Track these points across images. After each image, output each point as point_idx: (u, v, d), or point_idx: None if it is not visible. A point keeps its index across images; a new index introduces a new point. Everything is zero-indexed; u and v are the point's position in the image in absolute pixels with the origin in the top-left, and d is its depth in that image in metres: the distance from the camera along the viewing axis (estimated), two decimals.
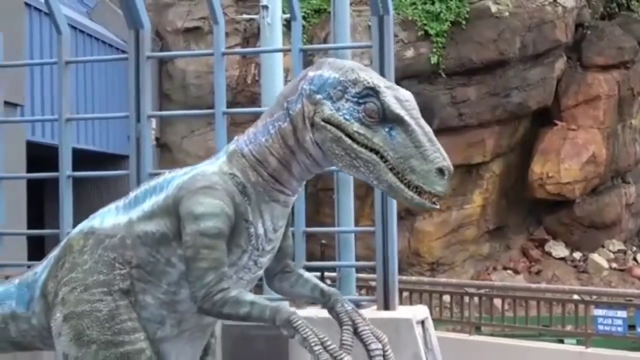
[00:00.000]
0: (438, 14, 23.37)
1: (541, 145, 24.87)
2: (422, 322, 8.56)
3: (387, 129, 3.88)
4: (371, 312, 8.29)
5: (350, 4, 9.89)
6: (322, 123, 3.93)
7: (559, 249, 25.30)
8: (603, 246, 25.38)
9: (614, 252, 25.39)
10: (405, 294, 16.43)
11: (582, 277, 24.57)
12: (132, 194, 4.44)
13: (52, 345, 4.61)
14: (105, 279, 4.29)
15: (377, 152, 3.88)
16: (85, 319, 4.28)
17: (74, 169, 8.78)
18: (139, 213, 4.29)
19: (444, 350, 9.07)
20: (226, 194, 4.10)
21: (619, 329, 14.70)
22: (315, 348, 3.94)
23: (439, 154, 3.86)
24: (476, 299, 16.59)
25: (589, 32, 25.76)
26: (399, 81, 11.41)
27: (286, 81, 11.10)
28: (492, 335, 16.79)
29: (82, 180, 11.04)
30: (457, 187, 23.12)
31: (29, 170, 13.80)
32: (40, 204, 20.03)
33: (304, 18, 20.98)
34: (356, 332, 4.21)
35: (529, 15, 24.03)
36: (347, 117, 3.90)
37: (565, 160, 24.56)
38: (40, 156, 14.26)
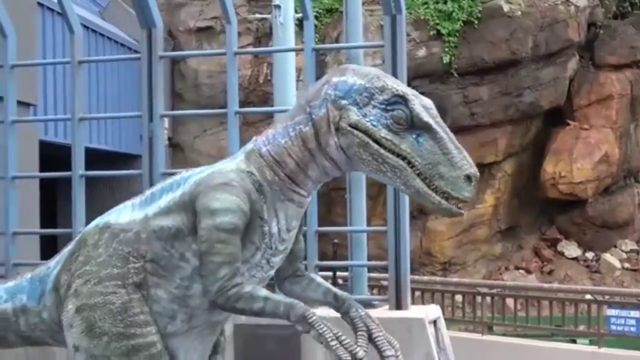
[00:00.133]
0: (450, 14, 23.34)
1: (553, 144, 24.82)
2: (435, 322, 8.55)
3: (414, 136, 3.99)
4: (383, 312, 8.28)
5: (363, 3, 9.89)
6: (349, 128, 4.02)
7: (571, 249, 25.24)
8: (615, 246, 25.30)
9: (626, 252, 25.31)
10: (417, 293, 16.44)
11: (594, 277, 24.51)
12: (148, 192, 4.50)
13: (61, 340, 4.64)
14: (119, 272, 4.33)
15: (404, 158, 3.99)
16: (97, 310, 4.31)
17: (87, 168, 8.80)
18: (155, 209, 4.34)
19: (456, 350, 9.07)
20: (243, 191, 4.16)
21: (632, 329, 14.68)
22: (332, 343, 3.99)
23: (466, 161, 3.98)
24: (488, 298, 16.59)
25: (601, 31, 25.68)
26: (411, 81, 11.40)
27: (298, 81, 11.12)
28: (504, 335, 16.78)
29: (94, 180, 11.07)
30: None
31: (41, 170, 13.81)
32: (53, 203, 20.08)
33: (316, 17, 20.96)
34: (370, 338, 4.26)
35: (541, 15, 23.98)
36: (375, 123, 4.00)
37: (578, 160, 24.50)
38: (53, 156, 14.28)
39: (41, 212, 14.17)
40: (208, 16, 24.59)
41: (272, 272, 4.45)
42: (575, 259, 25.11)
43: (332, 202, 19.26)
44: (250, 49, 22.49)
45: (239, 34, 11.07)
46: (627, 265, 24.96)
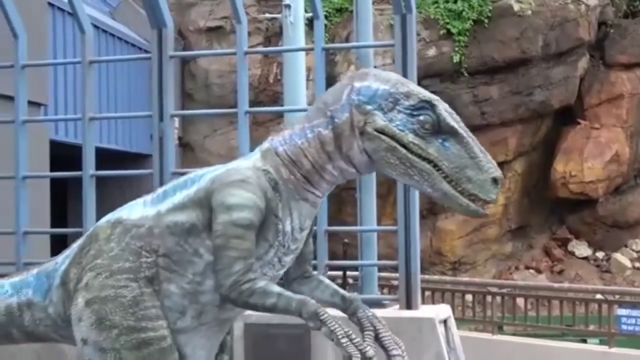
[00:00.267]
0: (460, 13, 23.33)
1: (564, 144, 24.78)
2: (445, 322, 8.54)
3: (440, 140, 4.10)
4: (393, 311, 8.28)
5: (373, 2, 9.88)
6: (376, 133, 4.10)
7: (581, 249, 25.19)
8: (626, 245, 25.24)
9: (637, 252, 25.25)
10: (427, 293, 16.43)
11: (605, 276, 24.47)
12: (160, 190, 4.54)
13: (65, 335, 4.66)
14: (131, 266, 4.35)
15: (431, 162, 4.09)
16: (108, 303, 4.32)
17: (97, 168, 8.81)
18: (169, 205, 4.37)
19: (467, 350, 9.06)
20: (259, 188, 4.20)
21: None
22: (343, 340, 4.05)
23: (492, 165, 4.13)
24: (499, 298, 16.56)
25: (612, 30, 25.63)
26: (421, 80, 11.40)
27: (308, 80, 11.12)
28: (514, 334, 16.76)
29: (104, 179, 11.09)
30: None
31: (52, 170, 13.85)
32: (64, 203, 20.12)
33: (326, 17, 20.98)
34: (377, 338, 4.32)
35: (551, 14, 23.95)
36: (401, 128, 4.10)
37: (588, 159, 24.45)
38: (64, 155, 14.32)
39: (52, 211, 14.22)
40: (218, 16, 24.63)
41: (282, 272, 4.48)
42: (585, 258, 25.07)
43: (342, 201, 19.26)
44: (261, 48, 22.52)
45: (249, 33, 11.08)
46: (637, 264, 24.90)
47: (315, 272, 4.78)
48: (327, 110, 4.23)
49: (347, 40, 22.02)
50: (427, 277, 17.49)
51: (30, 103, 9.50)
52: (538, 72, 24.02)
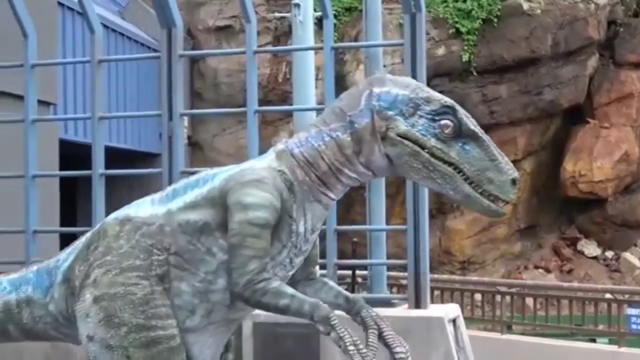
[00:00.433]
0: (469, 12, 23.32)
1: (573, 143, 24.74)
2: (454, 321, 8.54)
3: (460, 144, 4.21)
4: (402, 311, 8.28)
5: (382, 1, 9.88)
6: (399, 138, 4.18)
7: (591, 248, 25.15)
8: (636, 245, 25.19)
9: None
10: (436, 292, 16.42)
11: (614, 276, 24.42)
12: (169, 189, 4.54)
13: (66, 334, 4.65)
14: (141, 264, 4.34)
15: (452, 165, 4.19)
16: (118, 300, 4.31)
17: (106, 167, 8.82)
18: (180, 204, 4.37)
19: (475, 349, 9.05)
20: (275, 188, 4.23)
21: None
22: (350, 348, 4.11)
23: (510, 166, 4.27)
24: (508, 297, 16.55)
25: (621, 29, 25.58)
26: (430, 79, 11.38)
27: (317, 79, 11.12)
28: (523, 334, 16.74)
29: (114, 179, 11.12)
30: None
31: (61, 169, 13.87)
32: (73, 202, 20.15)
33: (335, 16, 20.97)
34: (380, 336, 4.37)
35: (561, 13, 23.91)
36: (423, 132, 4.19)
37: (598, 159, 24.41)
38: (73, 154, 14.35)
39: (61, 211, 14.23)
40: (227, 15, 24.65)
41: (291, 274, 4.49)
42: (595, 258, 25.02)
43: (352, 201, 19.25)
44: (270, 47, 22.53)
45: (258, 32, 11.08)
46: None
47: (319, 274, 4.80)
48: (345, 115, 4.28)
49: (356, 39, 22.02)
50: (436, 276, 17.48)
51: (40, 102, 9.51)
52: (547, 71, 23.99)
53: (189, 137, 23.10)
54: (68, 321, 4.57)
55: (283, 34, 23.59)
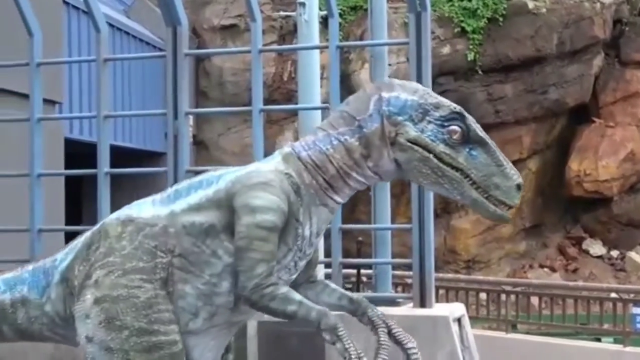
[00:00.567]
0: (475, 11, 23.31)
1: (578, 142, 24.72)
2: (459, 320, 8.53)
3: (467, 149, 4.27)
4: (408, 310, 8.28)
5: (387, 0, 9.87)
6: (409, 144, 4.23)
7: (596, 247, 25.13)
8: None
9: None
10: (441, 291, 16.42)
11: (619, 275, 24.40)
12: (171, 189, 4.52)
13: (63, 335, 4.61)
14: (145, 267, 4.31)
15: (460, 170, 4.24)
16: (120, 303, 4.28)
17: (112, 165, 8.82)
18: (183, 205, 4.35)
19: (480, 348, 9.05)
20: (282, 191, 4.23)
21: None
22: None
23: (515, 172, 4.32)
24: (513, 296, 16.56)
25: (627, 28, 25.56)
26: (435, 78, 11.37)
27: (322, 78, 11.11)
28: (528, 333, 16.73)
29: (119, 177, 11.10)
30: None
31: (66, 167, 13.89)
32: (78, 201, 20.17)
33: (340, 15, 20.96)
34: (390, 334, 4.42)
35: (566, 12, 23.90)
36: (433, 138, 4.25)
37: (603, 158, 24.39)
38: (78, 153, 14.36)
39: (66, 210, 14.26)
40: (232, 14, 24.65)
41: (293, 277, 4.48)
42: (600, 257, 25.00)
43: (357, 200, 19.20)
44: (275, 46, 22.52)
45: (263, 31, 11.07)
46: None
47: (323, 275, 4.80)
48: (353, 119, 4.30)
49: (361, 38, 22.02)
50: (441, 275, 17.47)
51: (45, 101, 9.52)
52: (553, 70, 23.97)
53: (194, 136, 23.10)
54: (65, 322, 4.54)
55: (288, 32, 23.59)
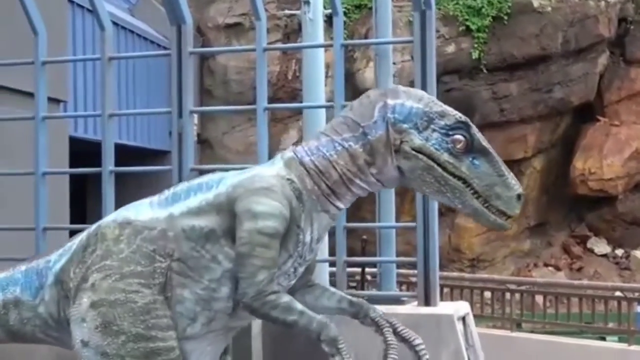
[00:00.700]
0: (479, 9, 23.30)
1: (583, 141, 24.70)
2: (463, 318, 8.51)
3: (470, 159, 4.27)
4: (412, 308, 8.26)
5: None
6: (413, 152, 4.22)
7: (601, 246, 25.11)
8: None
9: None
10: (446, 290, 16.40)
11: (624, 274, 24.38)
12: (169, 192, 4.47)
13: (56, 337, 4.57)
14: (143, 271, 4.27)
15: (461, 179, 4.24)
16: (117, 308, 4.24)
17: (116, 164, 8.82)
18: (183, 208, 4.31)
19: (485, 347, 9.03)
20: (284, 197, 4.20)
21: None
22: None
23: (516, 182, 4.37)
24: (517, 295, 16.53)
25: (632, 26, 25.52)
26: (440, 77, 11.35)
27: (327, 77, 11.11)
28: (533, 332, 16.71)
29: (123, 176, 11.12)
30: None
31: (71, 166, 13.89)
32: (83, 200, 20.17)
33: (345, 14, 20.96)
34: (395, 332, 4.44)
35: (571, 10, 23.87)
36: (437, 147, 4.24)
37: (608, 157, 24.37)
38: (83, 152, 14.36)
39: (71, 208, 14.25)
40: (237, 13, 24.65)
41: (292, 283, 4.47)
42: (604, 256, 24.98)
43: (361, 198, 19.19)
44: (280, 45, 22.51)
45: (268, 30, 11.08)
46: None
47: (317, 282, 4.77)
48: (357, 125, 4.28)
49: (366, 36, 22.01)
50: (445, 274, 17.46)
51: (50, 99, 9.51)
52: (557, 69, 23.95)
53: (198, 135, 23.12)
54: (58, 324, 4.50)
55: (293, 31, 23.60)
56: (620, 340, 15.54)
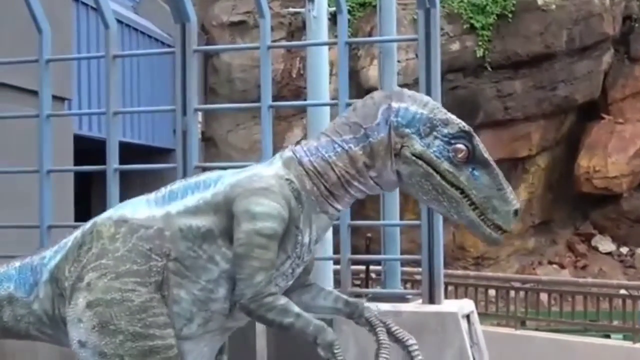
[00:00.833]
0: (484, 7, 23.29)
1: (588, 139, 24.69)
2: (468, 316, 8.51)
3: (470, 169, 4.20)
4: (416, 306, 8.26)
5: None
6: (413, 158, 4.17)
7: (605, 244, 25.10)
8: None
9: None
10: (450, 288, 16.38)
11: (628, 272, 24.38)
12: (165, 189, 4.42)
13: (50, 334, 4.53)
14: (139, 270, 4.22)
15: (460, 190, 4.19)
16: (114, 307, 4.19)
17: (121, 162, 8.82)
18: (180, 207, 4.27)
19: (489, 345, 9.03)
20: (282, 197, 4.17)
21: None
22: None
23: (513, 196, 4.28)
24: (522, 293, 16.52)
25: (636, 24, 25.51)
26: (444, 75, 11.37)
27: (331, 75, 11.11)
28: (537, 330, 16.69)
29: (128, 174, 11.10)
30: None
31: (76, 164, 13.90)
32: (87, 198, 20.19)
33: (349, 12, 20.92)
34: (389, 332, 4.41)
35: (575, 8, 23.86)
36: (438, 155, 4.18)
37: (612, 154, 24.36)
38: (87, 150, 14.37)
39: (75, 208, 14.26)
40: (241, 11, 24.65)
41: (290, 284, 4.44)
42: (609, 253, 24.98)
43: (366, 196, 19.20)
44: (284, 43, 22.52)
45: (272, 28, 11.08)
46: None
47: (314, 282, 4.75)
48: (359, 127, 4.24)
49: (370, 34, 22.00)
50: (450, 272, 17.44)
51: (55, 97, 9.51)
52: (562, 67, 23.94)
53: (202, 133, 23.12)
54: (53, 322, 4.46)
55: (297, 29, 23.60)
56: (625, 338, 15.52)
